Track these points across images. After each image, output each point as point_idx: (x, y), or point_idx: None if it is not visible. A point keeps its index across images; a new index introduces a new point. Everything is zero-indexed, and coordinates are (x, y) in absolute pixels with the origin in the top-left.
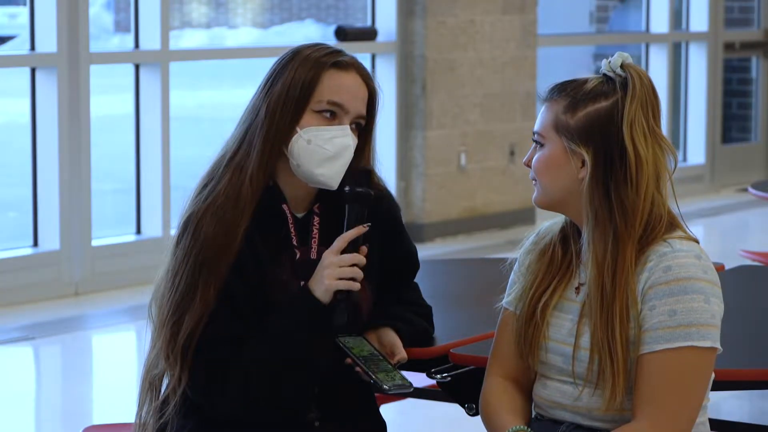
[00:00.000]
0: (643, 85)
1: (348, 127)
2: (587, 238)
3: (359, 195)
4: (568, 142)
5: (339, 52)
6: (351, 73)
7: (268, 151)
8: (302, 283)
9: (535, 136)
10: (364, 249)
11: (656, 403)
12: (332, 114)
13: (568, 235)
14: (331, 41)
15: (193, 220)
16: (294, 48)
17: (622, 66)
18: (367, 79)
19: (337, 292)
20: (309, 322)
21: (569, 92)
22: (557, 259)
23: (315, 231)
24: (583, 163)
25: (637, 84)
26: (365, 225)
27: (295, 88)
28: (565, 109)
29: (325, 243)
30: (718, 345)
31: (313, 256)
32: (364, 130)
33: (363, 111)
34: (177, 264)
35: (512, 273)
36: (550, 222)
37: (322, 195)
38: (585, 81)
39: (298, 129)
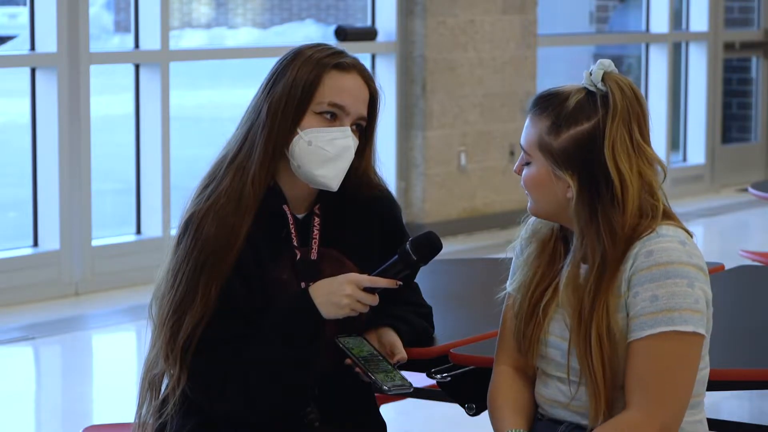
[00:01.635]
0: (625, 98)
1: (349, 128)
2: (571, 259)
3: (410, 260)
4: (552, 165)
5: (341, 53)
6: (352, 74)
7: (269, 152)
8: (302, 283)
9: (522, 151)
10: (377, 298)
11: (644, 391)
12: (333, 115)
13: (568, 232)
14: (331, 41)
15: (195, 221)
16: (296, 48)
17: (603, 77)
18: (369, 81)
19: (342, 320)
20: (309, 325)
21: (551, 111)
22: (560, 255)
23: (316, 232)
24: (569, 185)
25: (617, 99)
26: (398, 283)
27: (296, 89)
28: (549, 130)
29: (326, 244)
30: (701, 330)
31: (314, 256)
32: (366, 131)
33: (364, 112)
34: (178, 264)
35: (514, 258)
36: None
37: (323, 196)
38: (567, 97)
39: (298, 130)
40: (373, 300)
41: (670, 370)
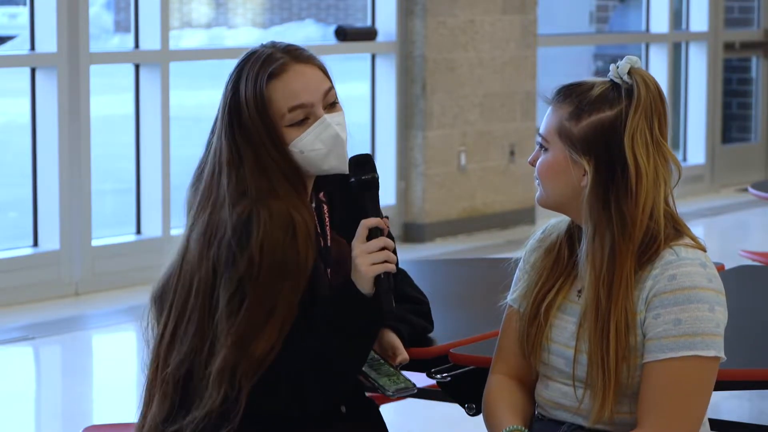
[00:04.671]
0: (649, 93)
1: (325, 117)
2: (586, 249)
3: (366, 182)
4: (570, 150)
5: (269, 58)
6: (290, 70)
7: (286, 177)
8: (328, 270)
9: (540, 138)
10: (386, 222)
11: (660, 412)
12: (303, 118)
13: (574, 235)
14: (331, 41)
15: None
16: (236, 69)
17: (629, 72)
18: (308, 61)
19: (377, 278)
20: (361, 319)
21: (574, 98)
22: (563, 258)
23: (326, 219)
24: (585, 172)
25: (642, 92)
26: (386, 218)
27: (256, 122)
28: (570, 115)
29: (336, 228)
30: (722, 354)
31: (329, 243)
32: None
33: (325, 87)
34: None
35: (517, 270)
36: (556, 219)
37: (320, 181)
38: (592, 86)
39: (290, 148)
40: (384, 241)
41: (687, 393)
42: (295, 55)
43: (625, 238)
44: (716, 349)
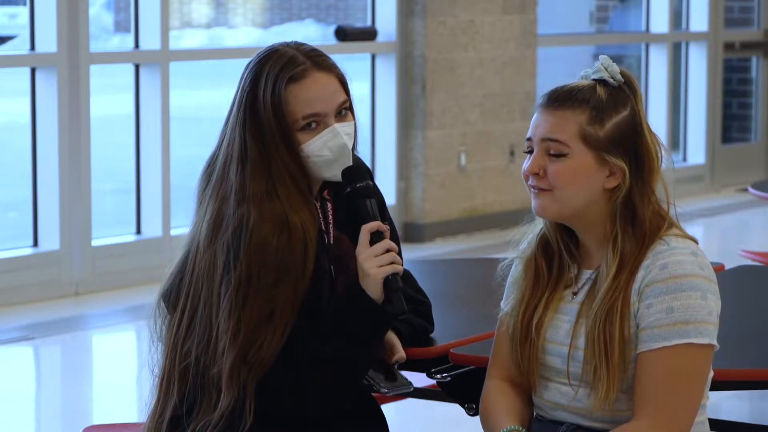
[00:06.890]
0: (638, 87)
1: (335, 127)
2: (609, 250)
3: (361, 190)
4: (603, 153)
5: (292, 61)
6: (310, 77)
7: (293, 181)
8: (332, 267)
9: (552, 144)
10: (387, 227)
11: (655, 402)
12: (315, 123)
13: (550, 241)
14: (332, 41)
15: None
16: (255, 65)
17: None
18: (329, 69)
19: (385, 280)
20: (371, 324)
21: (587, 103)
22: (543, 273)
23: (331, 217)
24: (611, 172)
25: (636, 87)
26: (386, 225)
27: (271, 125)
28: (590, 120)
29: (340, 226)
30: (715, 342)
31: (332, 240)
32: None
33: (340, 100)
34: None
35: (509, 276)
36: (527, 228)
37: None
38: (593, 89)
39: (301, 148)
40: (388, 243)
41: (682, 381)
42: (317, 62)
43: (636, 240)
44: (709, 337)
